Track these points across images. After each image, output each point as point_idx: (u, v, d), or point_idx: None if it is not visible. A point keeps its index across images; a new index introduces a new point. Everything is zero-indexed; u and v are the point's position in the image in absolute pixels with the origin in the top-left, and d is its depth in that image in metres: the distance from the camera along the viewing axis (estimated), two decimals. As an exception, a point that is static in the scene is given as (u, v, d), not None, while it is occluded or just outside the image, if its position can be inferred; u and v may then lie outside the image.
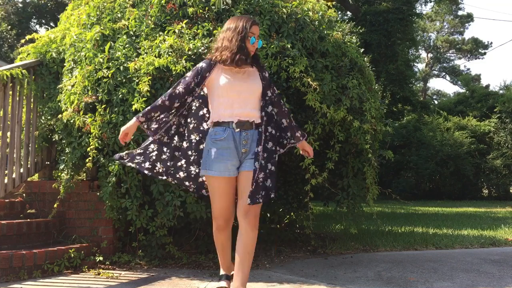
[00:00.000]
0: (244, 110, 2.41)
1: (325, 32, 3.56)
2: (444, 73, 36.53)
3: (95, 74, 3.29)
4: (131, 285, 2.84)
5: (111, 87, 3.24)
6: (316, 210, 7.35)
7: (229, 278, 2.61)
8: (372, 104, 3.57)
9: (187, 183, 2.57)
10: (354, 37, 4.04)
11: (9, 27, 18.11)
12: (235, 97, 2.41)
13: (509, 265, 3.48)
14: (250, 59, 2.45)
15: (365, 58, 4.07)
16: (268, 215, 4.54)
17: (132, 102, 3.11)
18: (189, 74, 2.50)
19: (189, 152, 2.53)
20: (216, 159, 2.37)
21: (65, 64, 3.66)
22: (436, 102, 28.17)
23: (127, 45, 3.39)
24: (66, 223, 3.58)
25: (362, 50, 4.10)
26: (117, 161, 2.68)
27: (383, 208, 9.61)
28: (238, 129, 2.39)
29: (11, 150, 3.52)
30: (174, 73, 3.15)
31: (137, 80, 3.19)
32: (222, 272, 2.65)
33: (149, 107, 2.49)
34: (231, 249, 2.61)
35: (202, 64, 2.49)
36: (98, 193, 3.40)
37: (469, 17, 33.70)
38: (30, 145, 3.73)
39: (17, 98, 3.59)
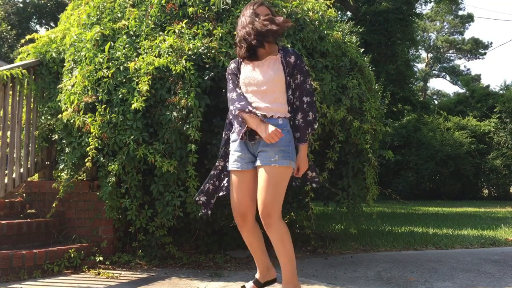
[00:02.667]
0: (260, 104, 2.28)
1: (325, 32, 3.56)
2: (444, 73, 36.55)
3: (95, 74, 3.29)
4: (131, 285, 2.84)
5: (111, 87, 3.24)
6: (316, 210, 7.35)
7: (259, 284, 2.46)
8: (372, 104, 3.57)
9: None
10: (354, 37, 4.04)
11: (9, 27, 18.12)
12: (255, 91, 2.31)
13: (509, 265, 3.48)
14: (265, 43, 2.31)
15: (365, 58, 4.07)
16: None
17: (132, 102, 3.11)
18: (229, 80, 2.42)
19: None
20: (230, 153, 2.38)
21: (65, 64, 3.66)
22: (436, 102, 28.18)
23: (127, 45, 3.39)
24: (66, 223, 3.58)
25: (362, 50, 4.10)
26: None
27: (383, 208, 9.61)
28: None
29: (11, 150, 3.52)
30: (174, 73, 3.15)
31: (137, 80, 3.19)
32: (256, 275, 2.52)
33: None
34: (265, 251, 2.48)
35: (232, 65, 2.43)
36: (98, 193, 3.39)
37: (469, 17, 33.75)
38: (30, 145, 3.73)
39: (17, 98, 3.60)
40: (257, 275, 2.49)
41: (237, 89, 2.38)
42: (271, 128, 2.20)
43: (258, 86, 2.31)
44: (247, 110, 2.26)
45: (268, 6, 2.40)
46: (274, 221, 2.21)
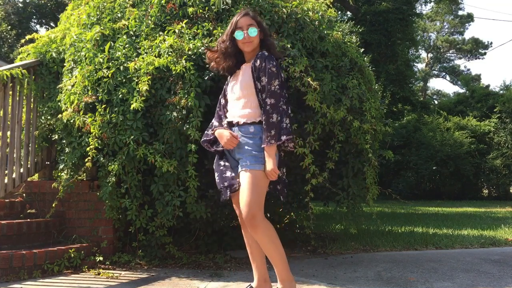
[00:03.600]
0: (233, 111, 2.42)
1: (325, 32, 3.55)
2: (444, 73, 36.55)
3: (95, 74, 3.29)
4: (131, 285, 2.84)
5: (111, 87, 3.24)
6: (316, 210, 7.35)
7: None
8: (372, 104, 3.57)
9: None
10: (354, 37, 4.04)
11: (9, 27, 18.11)
12: (233, 99, 2.45)
13: (509, 265, 3.48)
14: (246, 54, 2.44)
15: (365, 58, 4.06)
16: (268, 215, 4.54)
17: (132, 102, 3.11)
18: (223, 90, 2.60)
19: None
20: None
21: (65, 64, 3.66)
22: (436, 102, 28.17)
23: (127, 45, 3.39)
24: (66, 223, 3.58)
25: (362, 50, 4.09)
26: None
27: (383, 208, 9.61)
28: None
29: (11, 150, 3.52)
30: (174, 73, 3.15)
31: (137, 80, 3.19)
32: (252, 283, 2.50)
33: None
34: (264, 261, 2.47)
35: (229, 77, 2.55)
36: (98, 193, 3.39)
37: (469, 17, 33.73)
38: (30, 145, 3.73)
39: (17, 98, 3.60)
40: (253, 284, 2.48)
41: (221, 99, 2.56)
42: (226, 135, 2.35)
43: (233, 94, 2.44)
44: (216, 128, 2.45)
45: (253, 16, 2.44)
46: (260, 221, 2.24)
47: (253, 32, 2.37)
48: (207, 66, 3.22)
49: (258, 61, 2.35)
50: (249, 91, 2.37)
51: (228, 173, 2.38)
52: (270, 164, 2.26)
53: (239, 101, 2.40)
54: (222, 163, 2.43)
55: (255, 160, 2.27)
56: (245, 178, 2.27)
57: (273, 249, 2.28)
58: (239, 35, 2.37)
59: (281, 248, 2.30)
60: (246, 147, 2.31)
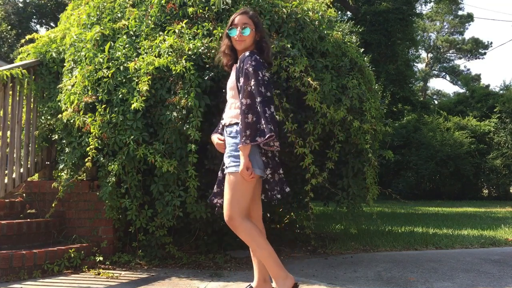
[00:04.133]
0: (225, 113, 2.46)
1: (325, 32, 3.56)
2: (444, 73, 36.54)
3: (95, 74, 3.29)
4: (131, 285, 2.84)
5: (111, 87, 3.24)
6: (316, 210, 7.35)
7: None
8: (372, 104, 3.57)
9: None
10: (354, 37, 4.04)
11: (9, 27, 18.11)
12: (227, 102, 2.49)
13: (509, 265, 3.48)
14: (238, 53, 2.44)
15: (365, 58, 4.06)
16: (268, 215, 4.54)
17: (132, 102, 3.11)
18: None
19: None
20: None
21: (65, 64, 3.66)
22: (436, 102, 28.16)
23: (127, 45, 3.39)
24: (66, 223, 3.58)
25: (362, 50, 4.10)
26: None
27: (383, 208, 9.61)
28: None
29: (11, 150, 3.52)
30: (174, 73, 3.15)
31: (137, 80, 3.19)
32: (252, 283, 2.52)
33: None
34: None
35: None
36: (98, 193, 3.39)
37: (469, 17, 33.72)
38: (30, 145, 3.73)
39: (17, 98, 3.60)
40: (253, 284, 2.50)
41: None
42: (215, 140, 2.48)
43: (226, 95, 2.49)
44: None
45: (250, 16, 2.43)
46: (239, 222, 2.27)
47: (246, 31, 2.37)
48: (207, 66, 3.24)
49: (239, 62, 2.37)
50: (234, 92, 2.39)
51: (215, 188, 2.46)
52: (241, 164, 2.24)
53: (228, 102, 2.44)
54: (219, 172, 2.48)
55: (234, 161, 2.28)
56: (226, 180, 2.31)
57: (258, 248, 2.30)
58: (232, 32, 2.39)
59: (267, 247, 2.30)
60: (228, 147, 2.34)
